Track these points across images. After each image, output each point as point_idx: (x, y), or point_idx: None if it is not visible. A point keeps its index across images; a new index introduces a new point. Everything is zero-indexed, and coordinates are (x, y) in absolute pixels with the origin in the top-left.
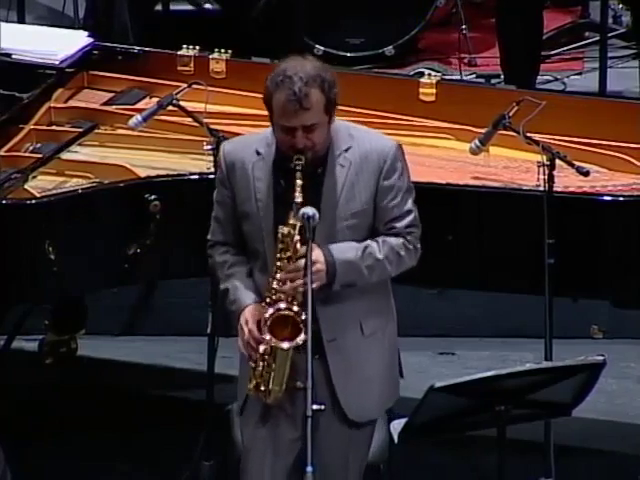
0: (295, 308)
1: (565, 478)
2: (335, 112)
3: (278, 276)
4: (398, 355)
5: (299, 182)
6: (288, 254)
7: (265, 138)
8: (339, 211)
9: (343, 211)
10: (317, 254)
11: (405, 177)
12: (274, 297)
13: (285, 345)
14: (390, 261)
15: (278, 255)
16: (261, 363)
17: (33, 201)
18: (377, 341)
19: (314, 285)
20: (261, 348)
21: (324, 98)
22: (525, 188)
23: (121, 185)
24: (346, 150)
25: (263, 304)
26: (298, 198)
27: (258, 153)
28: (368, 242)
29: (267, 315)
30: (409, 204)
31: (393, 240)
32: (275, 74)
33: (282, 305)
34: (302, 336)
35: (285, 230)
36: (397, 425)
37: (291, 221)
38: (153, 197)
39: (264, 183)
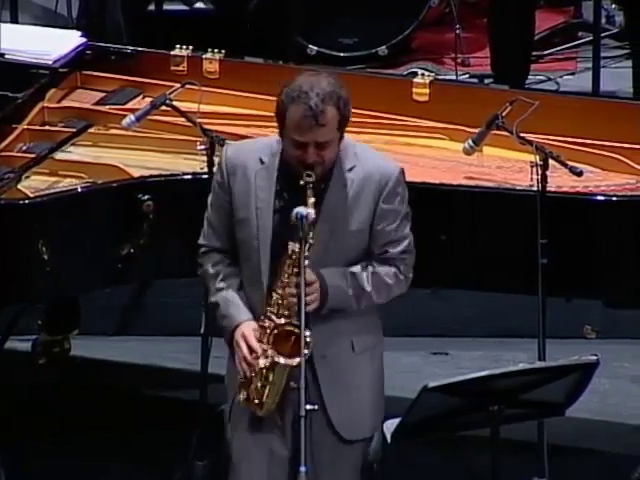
0: (298, 324)
1: (558, 478)
2: (345, 130)
3: (281, 292)
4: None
5: (311, 200)
6: (295, 270)
7: (269, 147)
8: (336, 229)
9: (340, 230)
10: (313, 276)
11: (405, 202)
12: (277, 312)
13: (292, 361)
14: (378, 292)
15: (285, 270)
16: (258, 377)
17: (26, 201)
18: (367, 360)
19: (312, 307)
20: (261, 362)
21: (339, 115)
22: (518, 188)
23: (114, 185)
24: (350, 169)
25: (262, 317)
26: (311, 217)
27: (262, 162)
28: (358, 270)
29: (270, 330)
30: (405, 230)
31: (383, 270)
32: (290, 89)
33: (286, 320)
34: (306, 352)
35: (295, 247)
36: (390, 425)
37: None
38: (146, 197)
39: (266, 193)
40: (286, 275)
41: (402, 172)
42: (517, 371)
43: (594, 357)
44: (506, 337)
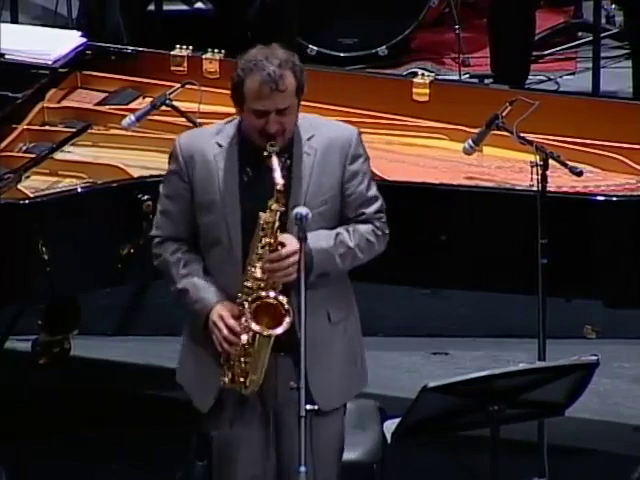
0: (276, 295)
1: (558, 478)
2: (302, 99)
3: (258, 265)
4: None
5: (278, 167)
6: (268, 241)
7: (224, 131)
8: (308, 198)
9: (312, 198)
10: (294, 244)
11: (367, 163)
12: (255, 285)
13: (275, 331)
14: (361, 248)
15: (258, 243)
16: (242, 354)
17: (26, 201)
18: (340, 330)
19: (293, 276)
20: (244, 338)
21: (296, 82)
22: (518, 188)
23: (114, 185)
24: (309, 139)
25: (240, 294)
26: (279, 184)
27: (220, 145)
28: (339, 230)
29: (250, 302)
30: (374, 190)
31: (362, 227)
32: (246, 61)
33: (265, 293)
34: (288, 319)
35: (267, 216)
36: (390, 425)
37: (273, 207)
38: (146, 197)
39: (229, 173)
40: (259, 247)
41: (359, 133)
42: (517, 371)
43: (594, 357)
44: (506, 337)
